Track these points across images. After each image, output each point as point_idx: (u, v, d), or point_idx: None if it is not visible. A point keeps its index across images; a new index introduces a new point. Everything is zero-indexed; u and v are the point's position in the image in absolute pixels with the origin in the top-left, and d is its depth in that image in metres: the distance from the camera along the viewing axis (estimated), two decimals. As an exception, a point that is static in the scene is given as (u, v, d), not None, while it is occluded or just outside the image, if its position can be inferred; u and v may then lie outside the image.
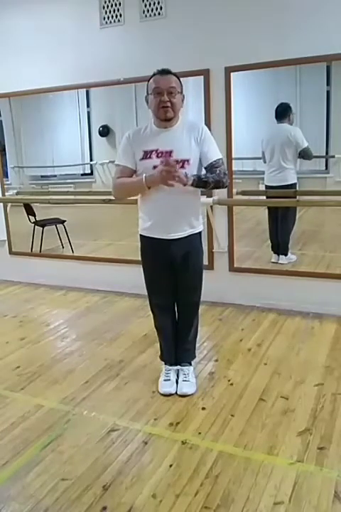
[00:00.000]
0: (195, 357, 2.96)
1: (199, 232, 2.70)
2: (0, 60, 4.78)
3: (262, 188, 4.97)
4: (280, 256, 4.63)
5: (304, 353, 3.26)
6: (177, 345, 2.89)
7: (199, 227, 2.69)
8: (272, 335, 3.55)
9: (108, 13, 4.27)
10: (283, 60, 3.64)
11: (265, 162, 4.76)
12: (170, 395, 2.76)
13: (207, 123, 3.93)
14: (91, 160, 7.03)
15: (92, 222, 6.28)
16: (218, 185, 2.56)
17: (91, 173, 7.03)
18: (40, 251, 5.41)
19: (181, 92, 2.54)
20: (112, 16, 4.26)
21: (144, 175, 2.50)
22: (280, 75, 5.04)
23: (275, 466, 2.15)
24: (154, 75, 2.53)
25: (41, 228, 5.55)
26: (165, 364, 2.90)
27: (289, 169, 4.59)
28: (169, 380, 2.82)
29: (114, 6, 4.24)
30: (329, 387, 2.79)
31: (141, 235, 2.71)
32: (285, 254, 4.64)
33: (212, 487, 2.04)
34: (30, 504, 2.00)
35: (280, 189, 4.58)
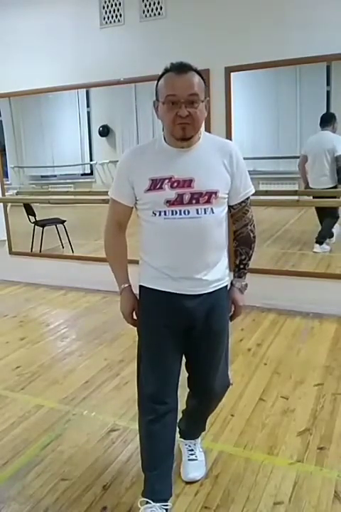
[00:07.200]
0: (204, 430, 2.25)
1: (226, 286, 1.91)
2: (0, 60, 4.78)
3: (262, 188, 4.98)
4: (315, 245, 4.90)
5: (304, 353, 3.26)
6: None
7: (227, 278, 1.89)
8: (272, 335, 3.55)
9: (108, 13, 4.27)
10: (283, 60, 3.65)
11: (298, 165, 5.01)
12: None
13: (207, 123, 3.92)
14: (91, 160, 7.04)
15: (92, 222, 6.26)
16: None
17: (91, 173, 7.04)
18: (40, 251, 5.41)
19: (205, 98, 1.71)
20: (112, 16, 4.26)
21: (125, 286, 1.96)
22: (280, 75, 5.04)
23: (275, 466, 2.15)
24: (167, 71, 1.68)
25: (41, 228, 5.56)
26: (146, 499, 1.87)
27: (330, 173, 4.78)
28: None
29: (114, 6, 4.24)
30: (329, 387, 2.79)
31: (141, 287, 1.89)
32: (320, 244, 4.90)
33: (212, 487, 2.04)
34: (30, 504, 2.00)
35: (322, 191, 4.75)
